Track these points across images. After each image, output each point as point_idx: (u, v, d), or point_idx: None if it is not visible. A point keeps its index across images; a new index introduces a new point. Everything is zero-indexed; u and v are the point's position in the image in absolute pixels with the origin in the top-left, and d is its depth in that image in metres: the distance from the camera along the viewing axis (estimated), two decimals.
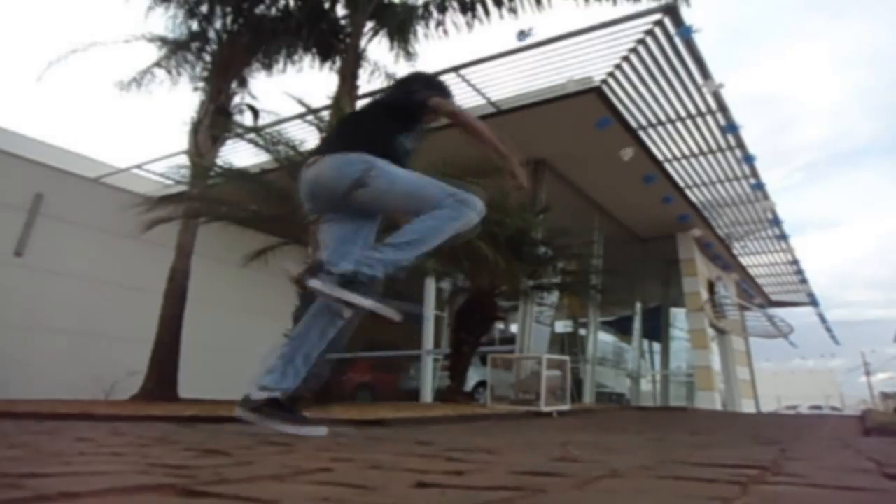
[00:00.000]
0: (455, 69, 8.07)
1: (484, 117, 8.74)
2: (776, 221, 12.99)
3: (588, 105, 8.40)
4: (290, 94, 6.40)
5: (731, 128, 9.35)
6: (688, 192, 11.60)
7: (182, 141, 8.57)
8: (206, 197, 7.07)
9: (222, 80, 8.43)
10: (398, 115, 2.32)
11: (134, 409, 4.61)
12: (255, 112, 8.81)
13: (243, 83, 8.92)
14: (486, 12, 8.37)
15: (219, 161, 8.32)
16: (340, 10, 8.87)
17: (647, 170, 10.24)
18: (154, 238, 7.47)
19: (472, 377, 8.87)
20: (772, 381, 37.60)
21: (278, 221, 6.31)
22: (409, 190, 2.14)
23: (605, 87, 8.24)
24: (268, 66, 9.22)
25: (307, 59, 9.30)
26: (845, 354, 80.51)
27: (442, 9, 8.56)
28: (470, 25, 8.51)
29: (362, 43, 7.95)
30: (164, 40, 8.85)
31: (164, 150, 12.14)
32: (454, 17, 8.56)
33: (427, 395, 11.22)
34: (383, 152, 2.16)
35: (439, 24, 8.70)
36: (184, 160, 8.64)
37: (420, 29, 8.77)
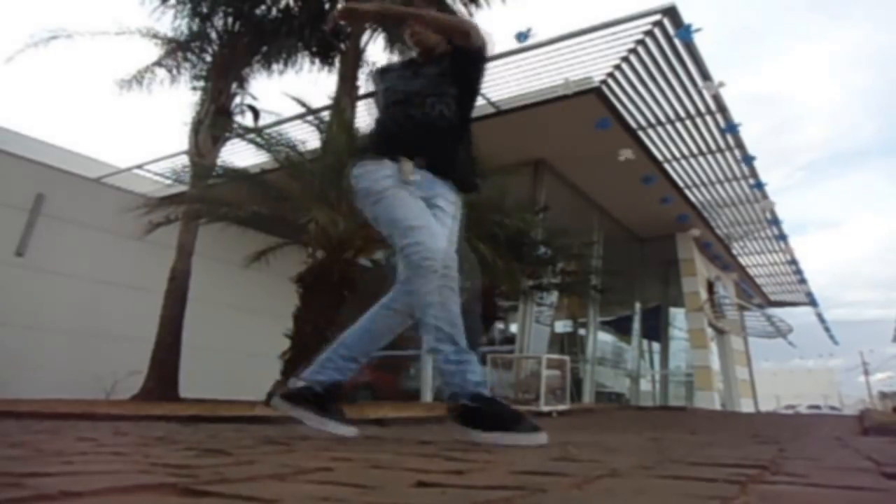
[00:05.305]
0: None
1: (484, 118, 8.75)
2: (775, 221, 12.99)
3: (588, 105, 8.41)
4: (290, 94, 6.42)
5: (730, 128, 9.36)
6: (687, 192, 11.61)
7: (183, 141, 8.59)
8: (206, 197, 7.08)
9: (223, 80, 8.43)
10: None
11: (135, 409, 4.61)
12: (256, 112, 8.82)
13: (243, 83, 8.93)
14: None
15: (219, 161, 8.32)
16: None
17: (646, 170, 10.24)
18: (155, 238, 7.48)
19: None
20: (771, 381, 37.61)
21: (279, 222, 6.33)
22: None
23: (604, 88, 8.24)
24: (268, 67, 9.23)
25: (307, 59, 9.32)
26: (844, 354, 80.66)
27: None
28: (471, 14, 8.50)
29: (362, 43, 7.95)
30: (161, 37, 8.85)
31: (164, 151, 12.15)
32: (454, 6, 8.56)
33: (427, 395, 11.22)
34: None
35: None
36: (184, 160, 8.65)
37: None
